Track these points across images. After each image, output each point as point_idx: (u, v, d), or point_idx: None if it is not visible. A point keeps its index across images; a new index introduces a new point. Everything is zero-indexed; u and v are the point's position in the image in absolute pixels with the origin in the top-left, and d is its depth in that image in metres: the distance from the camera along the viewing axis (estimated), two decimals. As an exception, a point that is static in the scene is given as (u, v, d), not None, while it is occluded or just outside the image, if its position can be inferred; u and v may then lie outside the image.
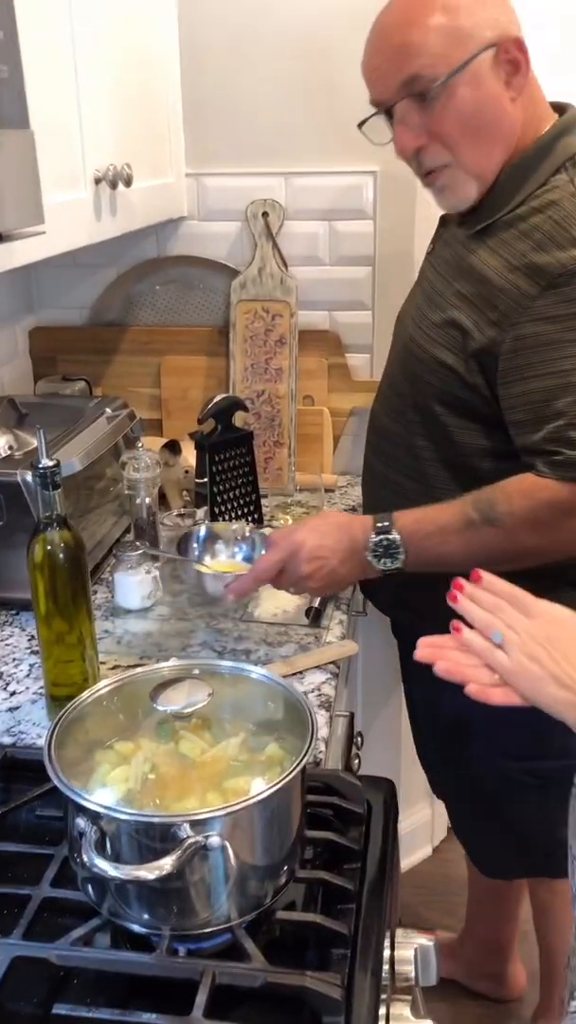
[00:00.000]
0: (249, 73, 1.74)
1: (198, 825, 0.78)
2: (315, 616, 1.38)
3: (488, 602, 0.85)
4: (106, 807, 0.79)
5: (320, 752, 1.12)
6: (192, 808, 0.86)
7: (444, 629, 0.86)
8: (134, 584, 1.39)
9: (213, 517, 1.58)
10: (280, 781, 0.81)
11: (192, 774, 0.90)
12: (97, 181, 1.29)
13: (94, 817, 0.79)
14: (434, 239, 1.38)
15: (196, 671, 0.96)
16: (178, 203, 1.78)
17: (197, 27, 1.71)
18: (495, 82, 1.17)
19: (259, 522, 1.66)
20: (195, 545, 1.37)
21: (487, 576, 0.88)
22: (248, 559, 1.36)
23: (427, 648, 0.85)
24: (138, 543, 1.43)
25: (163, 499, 1.79)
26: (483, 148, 1.20)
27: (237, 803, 0.80)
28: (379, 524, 1.23)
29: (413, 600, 1.32)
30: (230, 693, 0.97)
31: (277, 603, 1.41)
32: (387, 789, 1.05)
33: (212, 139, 1.79)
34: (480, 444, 1.25)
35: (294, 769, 0.82)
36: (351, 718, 1.42)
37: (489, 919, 1.86)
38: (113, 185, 1.31)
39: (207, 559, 1.36)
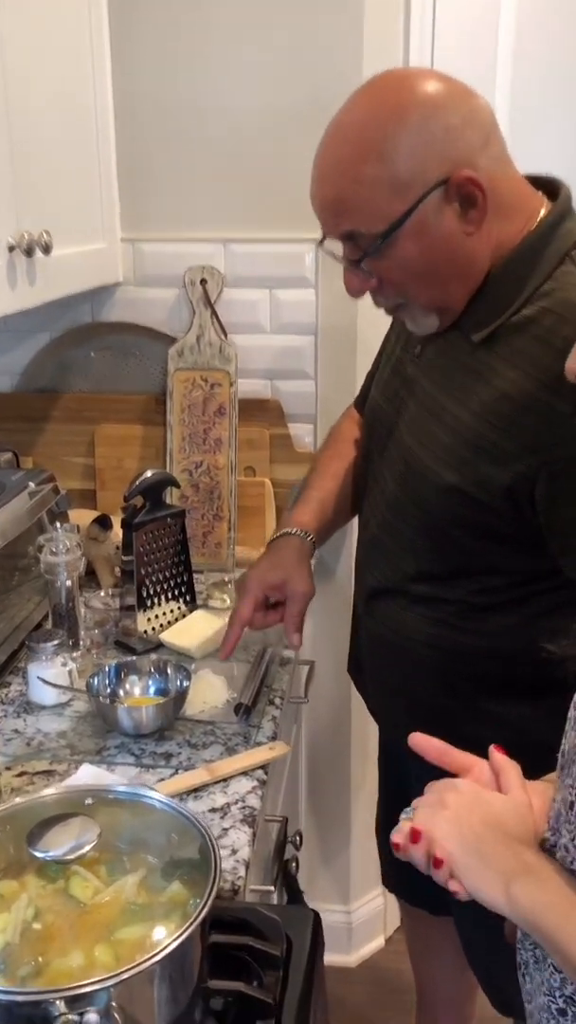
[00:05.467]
0: (186, 139, 1.69)
1: (74, 1001, 0.67)
2: (245, 712, 1.28)
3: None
4: (-35, 978, 0.68)
5: (239, 878, 1.01)
6: (77, 967, 0.75)
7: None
8: (48, 679, 1.28)
9: (140, 599, 1.48)
10: (171, 943, 0.71)
11: (82, 921, 0.80)
12: (10, 249, 1.21)
13: (-47, 988, 0.68)
14: (421, 340, 1.20)
15: (89, 800, 0.85)
16: (112, 269, 1.71)
17: (132, 95, 1.66)
18: (446, 222, 1.05)
19: (192, 603, 1.56)
20: (107, 682, 1.30)
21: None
22: (161, 691, 1.30)
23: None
24: (56, 632, 1.33)
25: (93, 576, 1.69)
26: (437, 288, 1.09)
27: (122, 971, 0.69)
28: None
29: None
30: (129, 822, 0.87)
31: (205, 698, 1.31)
32: (312, 922, 0.94)
33: (148, 204, 1.72)
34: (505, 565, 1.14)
35: (189, 927, 0.72)
36: (284, 823, 1.31)
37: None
38: (28, 253, 1.23)
39: (121, 693, 1.31)
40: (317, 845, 2.07)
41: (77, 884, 0.82)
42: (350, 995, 2.07)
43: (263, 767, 1.18)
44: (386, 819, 1.61)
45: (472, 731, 1.19)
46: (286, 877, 1.38)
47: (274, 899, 1.22)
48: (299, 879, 1.42)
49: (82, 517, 1.69)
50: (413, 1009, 1.82)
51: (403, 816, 0.80)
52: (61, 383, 1.84)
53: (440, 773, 1.08)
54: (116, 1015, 0.70)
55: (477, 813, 0.77)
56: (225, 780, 1.15)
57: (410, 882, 1.35)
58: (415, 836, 0.75)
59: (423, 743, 0.87)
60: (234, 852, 1.04)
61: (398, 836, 0.76)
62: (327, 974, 0.99)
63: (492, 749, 0.86)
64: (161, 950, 0.70)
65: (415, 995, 1.79)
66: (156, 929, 0.78)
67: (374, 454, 1.29)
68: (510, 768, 0.84)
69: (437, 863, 0.74)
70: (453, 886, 0.74)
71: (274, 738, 1.26)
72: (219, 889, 0.80)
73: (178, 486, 1.61)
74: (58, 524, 1.43)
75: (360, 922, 2.17)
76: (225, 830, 1.07)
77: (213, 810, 1.11)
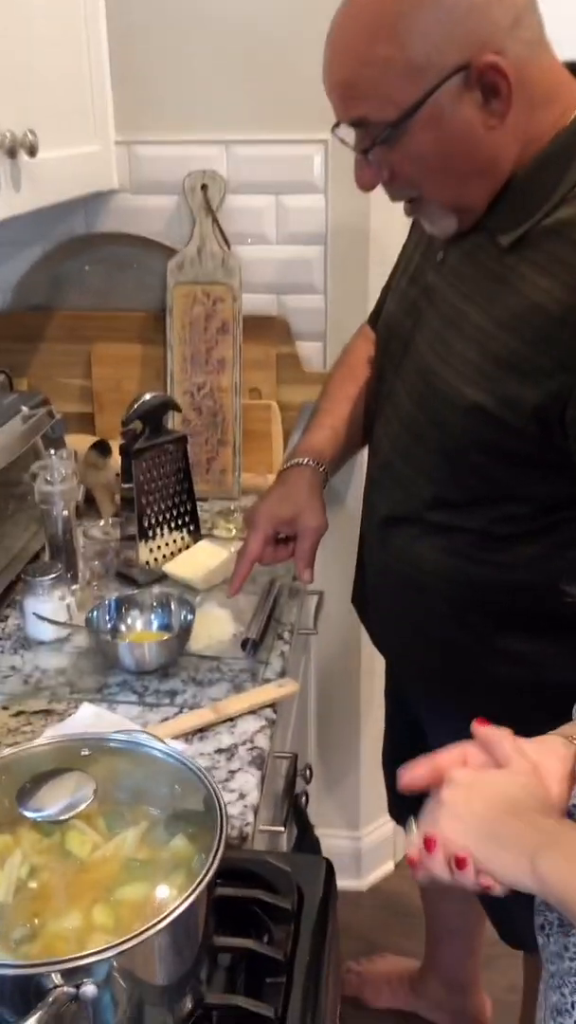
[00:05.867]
0: (184, 29, 1.55)
1: (71, 973, 0.62)
2: (253, 648, 1.22)
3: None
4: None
5: (247, 824, 0.96)
6: (74, 930, 0.70)
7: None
8: (45, 614, 1.22)
9: (142, 529, 1.41)
10: (175, 909, 0.65)
11: (80, 879, 0.75)
12: (-8, 149, 1.10)
13: None
14: (444, 245, 1.10)
15: (85, 750, 0.79)
16: (106, 174, 1.60)
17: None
18: (465, 112, 0.95)
19: (196, 533, 1.49)
20: (107, 617, 1.24)
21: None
22: (165, 626, 1.24)
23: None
24: (53, 564, 1.26)
25: (93, 504, 1.62)
26: (454, 185, 1.00)
27: (123, 941, 0.64)
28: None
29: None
30: (130, 772, 0.81)
31: (210, 633, 1.25)
32: (325, 871, 0.90)
33: (144, 102, 1.59)
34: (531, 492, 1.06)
35: (194, 891, 0.66)
36: (294, 759, 1.27)
37: (449, 956, 1.73)
38: (11, 154, 1.13)
39: (122, 628, 1.25)
40: (326, 772, 2.05)
41: (74, 838, 0.77)
42: (359, 920, 2.08)
43: (271, 705, 1.13)
44: (392, 750, 1.57)
45: (485, 668, 1.14)
46: (296, 812, 1.34)
47: (284, 840, 1.18)
48: (308, 809, 1.39)
49: (79, 442, 1.61)
50: (423, 933, 1.82)
51: (407, 834, 0.73)
52: (55, 299, 1.74)
53: (449, 706, 1.00)
54: (115, 983, 0.65)
55: (478, 798, 0.71)
56: (232, 719, 1.10)
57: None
58: (429, 845, 0.69)
59: (408, 781, 0.77)
60: (242, 796, 0.99)
61: (412, 851, 0.70)
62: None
63: (474, 725, 0.78)
64: (165, 916, 0.65)
65: (425, 919, 1.78)
66: (159, 888, 0.73)
67: (388, 371, 1.20)
68: (500, 738, 0.76)
69: (460, 863, 0.68)
70: (485, 882, 0.68)
71: (283, 674, 1.20)
72: (226, 837, 0.75)
73: (179, 410, 1.52)
74: (53, 451, 1.35)
75: (369, 847, 2.16)
76: (232, 772, 1.02)
77: (219, 751, 1.05)
